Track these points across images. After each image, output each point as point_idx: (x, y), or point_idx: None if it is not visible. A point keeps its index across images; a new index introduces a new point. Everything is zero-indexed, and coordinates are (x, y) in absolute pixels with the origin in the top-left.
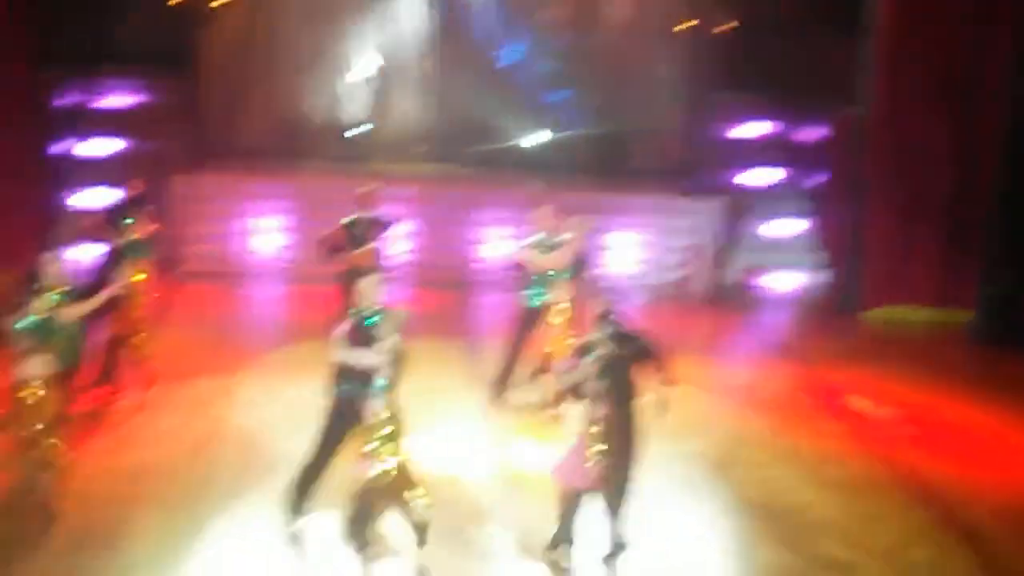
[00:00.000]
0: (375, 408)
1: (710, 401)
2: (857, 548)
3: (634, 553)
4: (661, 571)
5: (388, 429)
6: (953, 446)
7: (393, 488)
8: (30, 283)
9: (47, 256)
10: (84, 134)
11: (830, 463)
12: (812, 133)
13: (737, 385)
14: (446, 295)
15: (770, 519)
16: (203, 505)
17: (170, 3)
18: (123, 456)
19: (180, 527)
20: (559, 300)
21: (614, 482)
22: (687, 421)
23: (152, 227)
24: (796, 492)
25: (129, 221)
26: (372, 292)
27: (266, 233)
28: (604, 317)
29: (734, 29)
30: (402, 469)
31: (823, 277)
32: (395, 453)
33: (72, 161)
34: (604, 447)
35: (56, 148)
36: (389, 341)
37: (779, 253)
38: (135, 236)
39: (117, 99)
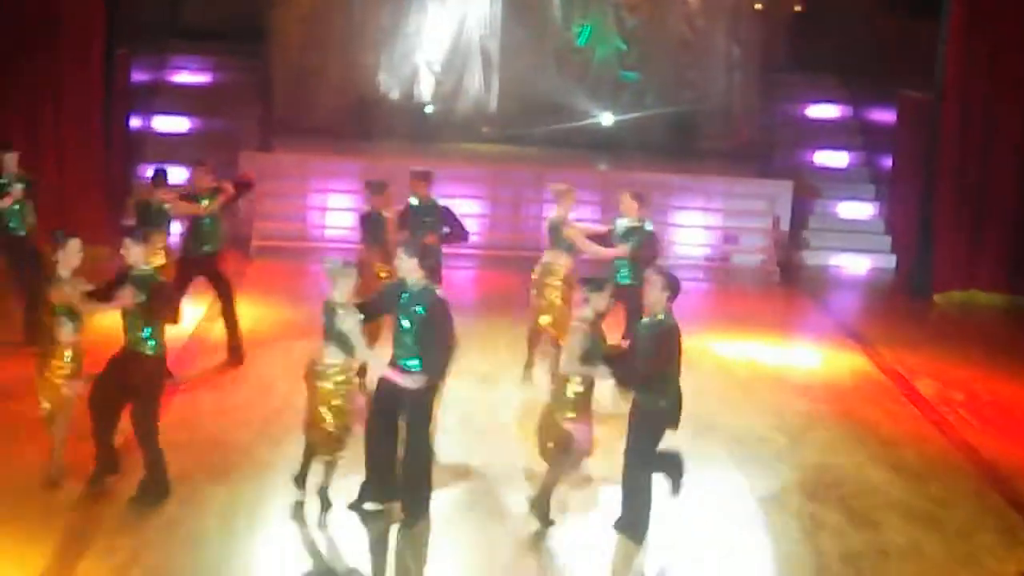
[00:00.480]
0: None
1: (780, 382)
2: (925, 531)
3: (701, 532)
4: (727, 551)
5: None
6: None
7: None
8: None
9: (128, 241)
10: (155, 111)
11: (899, 446)
12: (883, 115)
13: (807, 367)
14: (513, 276)
15: (838, 501)
16: (269, 482)
17: None
18: (190, 432)
19: (246, 503)
20: (555, 271)
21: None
22: (757, 402)
23: (171, 196)
24: (865, 474)
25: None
26: (401, 265)
27: (335, 211)
28: (586, 285)
29: (806, 9)
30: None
31: (893, 260)
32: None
33: (145, 137)
34: (572, 415)
35: (129, 124)
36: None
37: (850, 235)
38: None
39: (189, 76)
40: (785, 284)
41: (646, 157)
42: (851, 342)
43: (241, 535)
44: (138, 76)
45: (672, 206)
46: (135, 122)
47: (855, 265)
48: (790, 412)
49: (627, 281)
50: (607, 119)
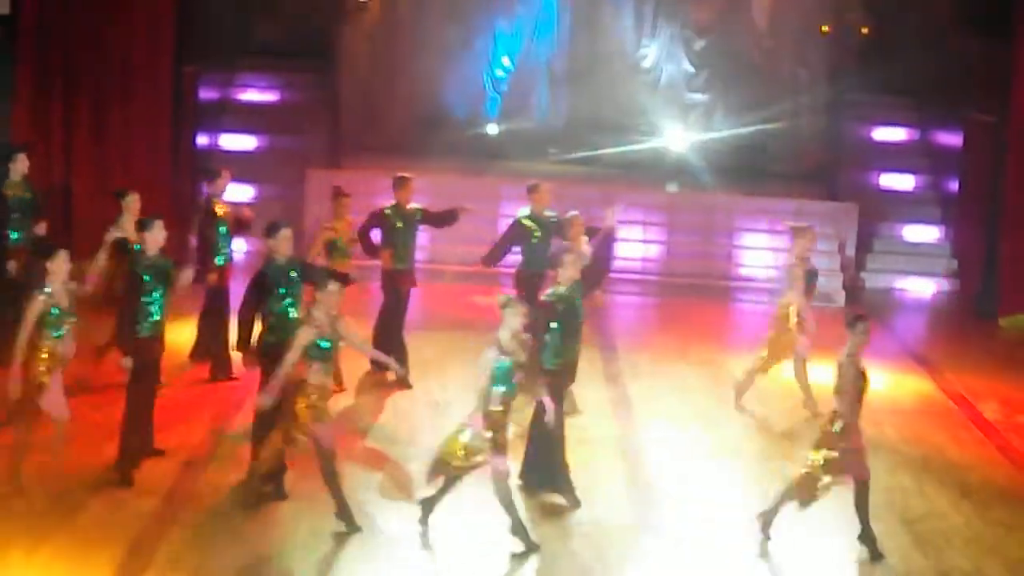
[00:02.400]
0: None
1: None
2: (988, 556)
3: (761, 555)
4: (791, 573)
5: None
6: None
7: None
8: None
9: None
10: (223, 129)
11: (964, 469)
12: (950, 138)
13: (872, 390)
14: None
15: (902, 524)
16: (328, 499)
17: None
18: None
19: (306, 520)
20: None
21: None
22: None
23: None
24: (929, 499)
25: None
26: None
27: None
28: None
29: (873, 32)
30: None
31: (958, 283)
32: None
33: (212, 154)
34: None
35: (197, 141)
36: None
37: (915, 258)
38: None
39: (256, 94)
40: (851, 306)
41: (713, 179)
42: (916, 365)
43: (304, 556)
44: (206, 93)
45: (738, 228)
46: (203, 139)
47: (920, 288)
48: None
49: None
50: (675, 141)
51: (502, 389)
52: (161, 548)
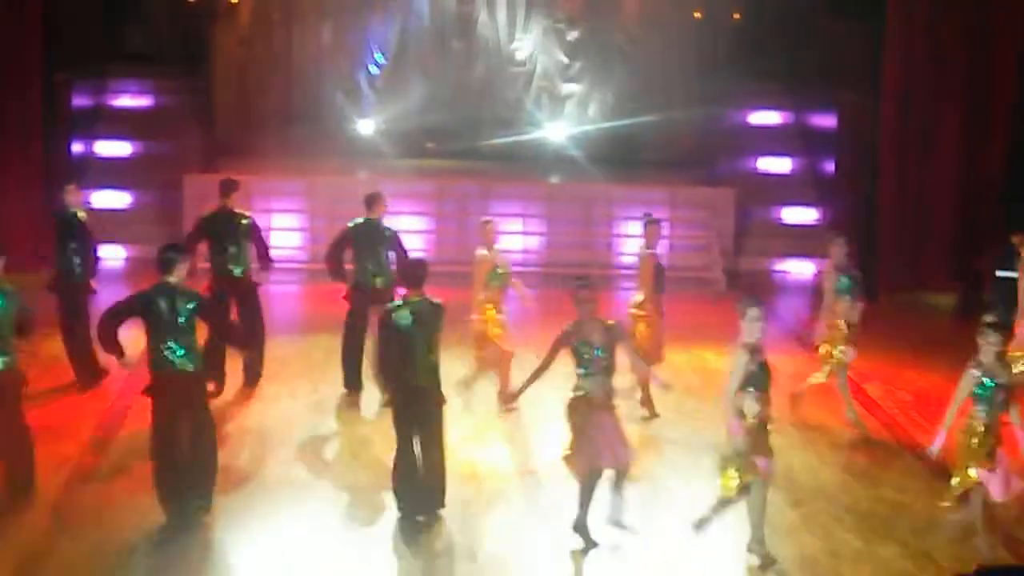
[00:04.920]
0: None
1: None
2: (878, 533)
3: (654, 540)
4: (683, 555)
5: None
6: None
7: None
8: None
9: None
10: (97, 136)
11: (850, 448)
12: (824, 120)
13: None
14: (462, 291)
15: (791, 505)
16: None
17: (187, 0)
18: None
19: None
20: None
21: None
22: (710, 409)
23: None
24: (816, 477)
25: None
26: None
27: (279, 230)
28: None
29: (745, 17)
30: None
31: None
32: None
33: (87, 162)
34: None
35: (71, 149)
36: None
37: (793, 239)
38: None
39: (130, 100)
40: (731, 290)
41: (590, 168)
42: (799, 346)
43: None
44: (79, 101)
45: (616, 216)
46: (77, 147)
47: (799, 269)
48: None
49: None
50: (553, 132)
51: (984, 408)
52: (51, 563)
